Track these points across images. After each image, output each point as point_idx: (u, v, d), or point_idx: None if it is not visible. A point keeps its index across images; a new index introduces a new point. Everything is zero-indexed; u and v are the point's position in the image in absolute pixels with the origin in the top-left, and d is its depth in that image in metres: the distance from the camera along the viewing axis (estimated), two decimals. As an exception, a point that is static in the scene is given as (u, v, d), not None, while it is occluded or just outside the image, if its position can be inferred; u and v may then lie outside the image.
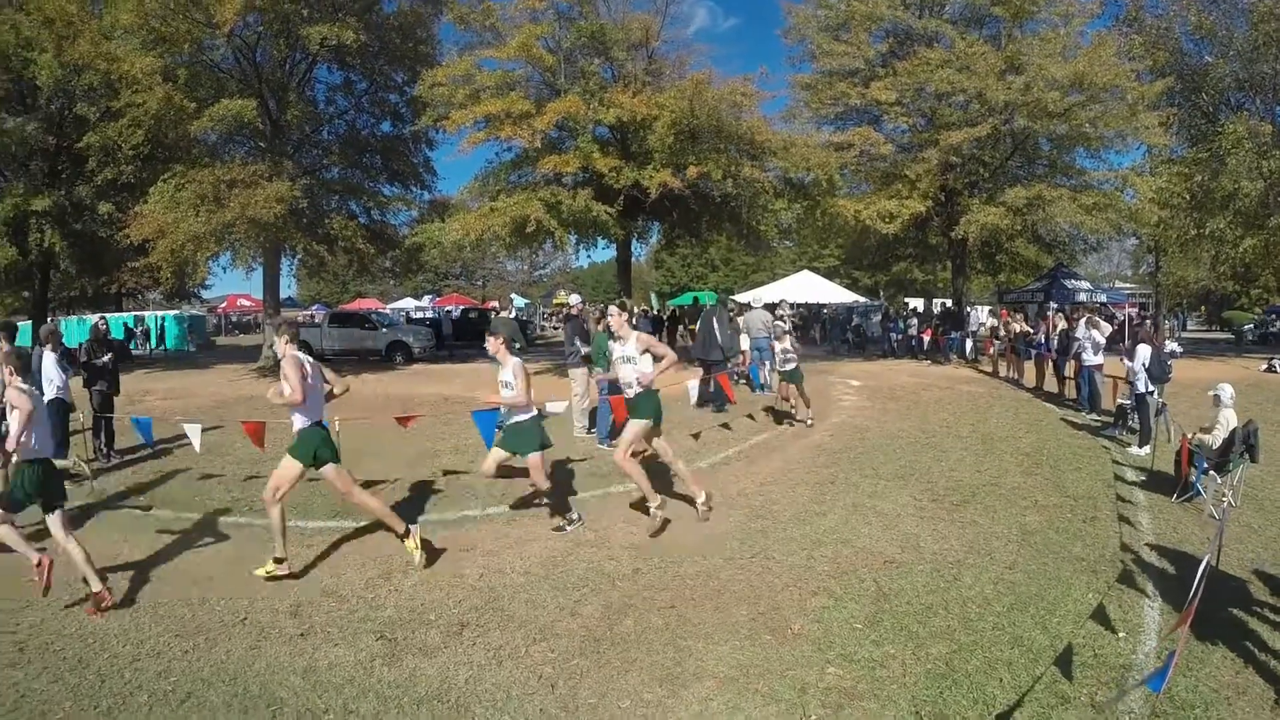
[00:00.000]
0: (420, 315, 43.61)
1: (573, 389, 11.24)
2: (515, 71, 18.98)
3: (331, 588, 5.80)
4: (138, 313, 35.76)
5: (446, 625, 5.12)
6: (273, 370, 21.14)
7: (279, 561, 5.90)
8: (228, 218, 18.05)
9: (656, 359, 7.08)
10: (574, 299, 12.67)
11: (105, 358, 10.60)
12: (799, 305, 32.36)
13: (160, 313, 36.70)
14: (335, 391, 6.39)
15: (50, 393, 9.04)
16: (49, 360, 9.16)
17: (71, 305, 37.59)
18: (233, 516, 7.72)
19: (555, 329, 42.19)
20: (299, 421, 5.95)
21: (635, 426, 6.93)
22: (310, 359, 6.15)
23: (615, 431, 10.46)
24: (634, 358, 7.04)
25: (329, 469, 6.00)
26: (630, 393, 7.06)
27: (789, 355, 11.94)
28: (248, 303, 48.90)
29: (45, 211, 20.78)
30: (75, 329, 27.40)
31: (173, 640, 4.98)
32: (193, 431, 8.48)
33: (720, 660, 4.56)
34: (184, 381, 19.85)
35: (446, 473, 9.28)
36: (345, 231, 21.51)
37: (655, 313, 37.68)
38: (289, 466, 5.90)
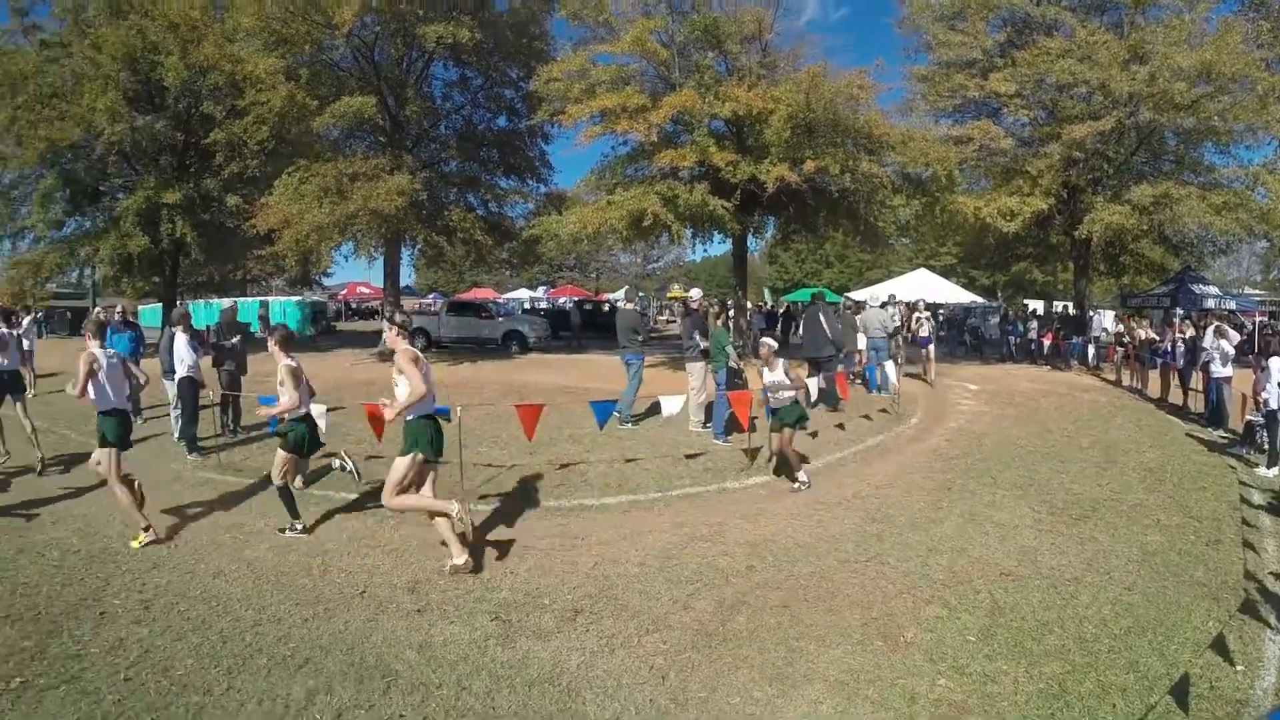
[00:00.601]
0: (534, 306, 44.54)
1: (690, 383, 11.29)
2: (629, 66, 19.07)
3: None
4: (262, 298, 37.56)
5: (560, 611, 5.25)
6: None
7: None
8: (350, 209, 18.82)
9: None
10: (694, 293, 12.62)
11: (235, 340, 11.26)
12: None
13: (283, 298, 38.50)
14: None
15: (182, 371, 9.84)
16: (180, 341, 9.91)
17: (199, 290, 39.67)
18: (353, 494, 8.07)
19: (670, 322, 42.27)
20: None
21: (398, 464, 5.90)
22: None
23: (731, 427, 10.49)
24: (395, 379, 5.98)
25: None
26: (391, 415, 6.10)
27: (783, 386, 8.41)
28: (367, 290, 50.64)
29: (175, 203, 21.94)
30: (203, 312, 29.04)
31: (293, 608, 5.25)
32: (317, 411, 8.91)
33: (831, 664, 4.56)
34: (306, 365, 20.57)
35: (563, 465, 9.30)
36: (464, 223, 22.15)
37: (769, 308, 37.38)
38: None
